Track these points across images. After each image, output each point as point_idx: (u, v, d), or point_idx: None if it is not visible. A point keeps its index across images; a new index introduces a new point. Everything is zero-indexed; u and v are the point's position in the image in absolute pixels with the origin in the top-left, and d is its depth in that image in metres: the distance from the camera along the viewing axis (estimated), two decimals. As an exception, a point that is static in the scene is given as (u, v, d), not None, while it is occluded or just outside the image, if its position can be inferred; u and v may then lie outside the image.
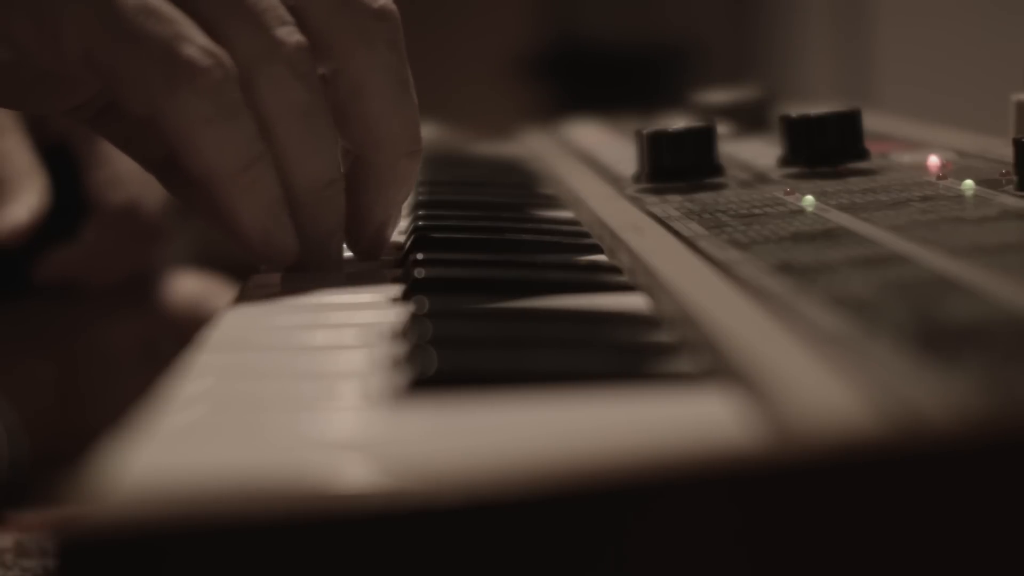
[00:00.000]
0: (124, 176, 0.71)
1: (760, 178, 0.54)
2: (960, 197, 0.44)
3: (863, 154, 0.54)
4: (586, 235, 0.50)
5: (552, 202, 0.60)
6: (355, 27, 0.44)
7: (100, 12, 0.40)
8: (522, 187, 0.66)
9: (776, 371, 0.28)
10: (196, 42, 0.40)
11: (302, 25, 0.43)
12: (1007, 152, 0.48)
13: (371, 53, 0.44)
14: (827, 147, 0.54)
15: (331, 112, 0.43)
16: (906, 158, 0.55)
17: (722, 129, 0.62)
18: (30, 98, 0.46)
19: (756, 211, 0.46)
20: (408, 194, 0.47)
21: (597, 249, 0.47)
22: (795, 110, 0.56)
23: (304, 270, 0.44)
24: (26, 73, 0.43)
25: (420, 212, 0.53)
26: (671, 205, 0.49)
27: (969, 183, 0.46)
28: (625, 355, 0.34)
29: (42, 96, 0.45)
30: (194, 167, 0.41)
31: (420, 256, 0.44)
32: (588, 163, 0.65)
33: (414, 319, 0.36)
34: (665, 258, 0.40)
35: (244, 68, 0.41)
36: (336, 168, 0.44)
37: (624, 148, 0.65)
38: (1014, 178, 0.46)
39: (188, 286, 0.77)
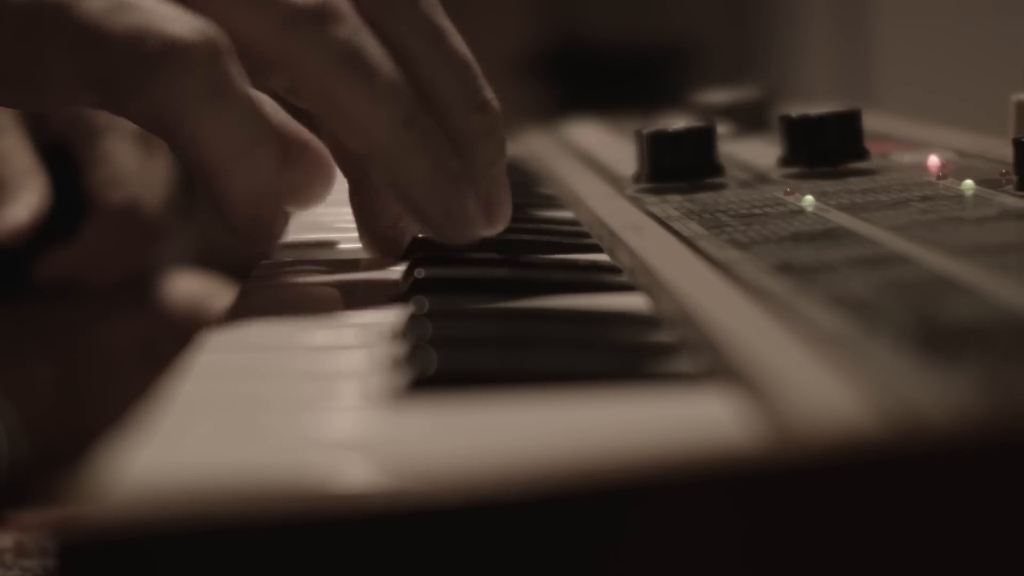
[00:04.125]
0: (124, 176, 0.71)
1: (760, 178, 0.54)
2: (960, 197, 0.44)
3: (863, 154, 0.54)
4: (586, 235, 0.50)
5: (552, 202, 0.60)
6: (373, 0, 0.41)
7: (78, 30, 0.38)
8: (522, 187, 0.66)
9: (776, 371, 0.28)
10: (177, 20, 0.38)
11: None
12: (1007, 152, 0.48)
13: (399, 20, 0.41)
14: (827, 147, 0.54)
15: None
16: (906, 158, 0.55)
17: (722, 129, 0.62)
18: (56, 110, 0.46)
19: (756, 211, 0.46)
20: (501, 152, 0.43)
21: (597, 249, 0.47)
22: (795, 110, 0.56)
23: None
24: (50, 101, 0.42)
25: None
26: (671, 205, 0.49)
27: (969, 183, 0.46)
28: (625, 355, 0.34)
29: (69, 109, 0.44)
30: (189, 154, 0.39)
31: (420, 256, 0.44)
32: (588, 163, 0.65)
33: (414, 319, 0.36)
34: (665, 258, 0.40)
35: (272, 43, 0.39)
36: (413, 105, 0.41)
37: (624, 148, 0.65)
38: (1014, 178, 0.46)
39: (188, 286, 0.77)
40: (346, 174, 0.46)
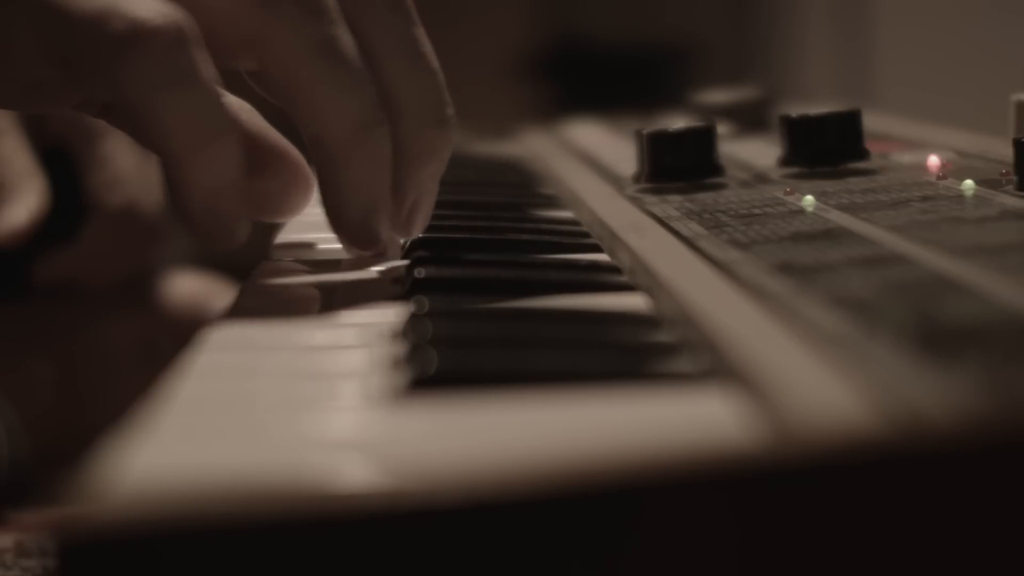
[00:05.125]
0: (123, 177, 0.71)
1: (760, 178, 0.54)
2: (960, 197, 0.44)
3: (863, 154, 0.54)
4: (586, 235, 0.50)
5: (552, 202, 0.60)
6: None
7: (41, 7, 0.38)
8: (522, 187, 0.66)
9: (776, 371, 0.28)
10: (144, 3, 0.37)
11: None
12: (1007, 152, 0.48)
13: (372, 20, 0.41)
14: (827, 147, 0.54)
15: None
16: (906, 158, 0.55)
17: (722, 129, 0.62)
18: (29, 102, 0.46)
19: (756, 211, 0.46)
20: (442, 168, 0.44)
21: (597, 249, 0.47)
22: (795, 110, 0.56)
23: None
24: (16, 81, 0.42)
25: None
26: (671, 205, 0.49)
27: (969, 183, 0.46)
28: (625, 355, 0.34)
29: (41, 99, 0.44)
30: (151, 140, 0.39)
31: (420, 256, 0.44)
32: (588, 163, 0.65)
33: (414, 319, 0.36)
34: (665, 258, 0.40)
35: (246, 20, 0.39)
36: (374, 110, 0.41)
37: (624, 148, 0.65)
38: (1014, 178, 0.46)
39: (187, 286, 0.77)
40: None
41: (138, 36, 0.37)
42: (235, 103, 0.45)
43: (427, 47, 0.42)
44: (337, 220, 0.43)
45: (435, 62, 0.43)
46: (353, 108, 0.40)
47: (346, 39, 0.40)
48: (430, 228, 0.49)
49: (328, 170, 0.42)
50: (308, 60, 0.40)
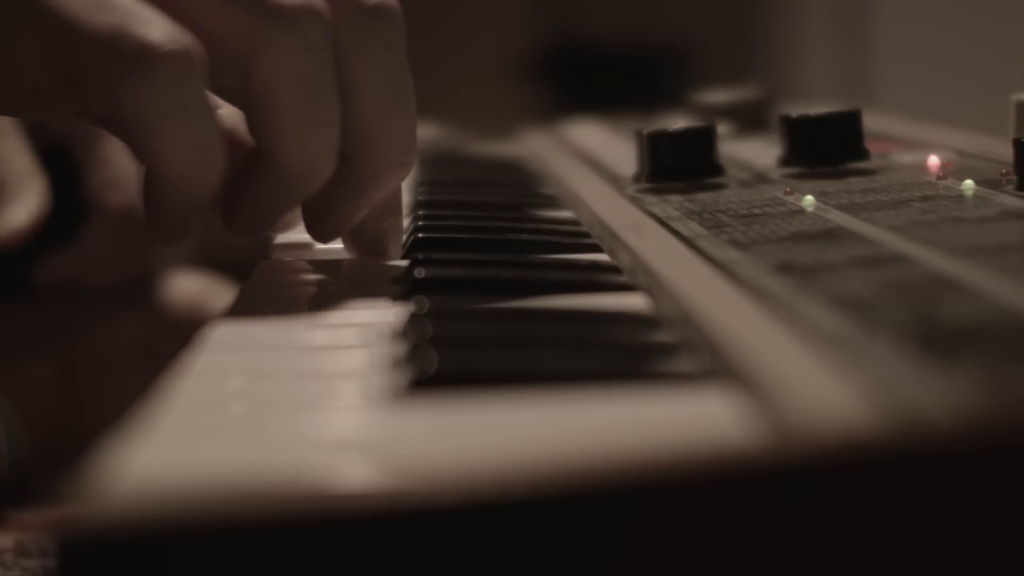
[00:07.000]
0: (124, 178, 0.71)
1: (760, 178, 0.54)
2: (960, 197, 0.44)
3: (863, 154, 0.54)
4: (586, 235, 0.50)
5: (552, 202, 0.60)
6: (347, 25, 0.41)
7: (49, 19, 0.38)
8: (522, 187, 0.66)
9: (776, 371, 0.28)
10: (155, 25, 0.37)
11: None
12: (1007, 152, 0.48)
13: (364, 55, 0.41)
14: (827, 147, 0.54)
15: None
16: (906, 158, 0.55)
17: (722, 129, 0.62)
18: (28, 109, 0.46)
19: (756, 211, 0.46)
20: (396, 209, 0.46)
21: (597, 249, 0.47)
22: (795, 110, 0.56)
23: (238, 233, 0.43)
24: (15, 87, 0.42)
25: (420, 212, 0.53)
26: (671, 205, 0.49)
27: (969, 183, 0.46)
28: (625, 355, 0.34)
29: (40, 106, 0.44)
30: (143, 157, 0.39)
31: (420, 256, 0.44)
32: (588, 163, 0.66)
33: (414, 319, 0.36)
34: (665, 258, 0.40)
35: (248, 37, 0.39)
36: (330, 156, 0.41)
37: (624, 148, 0.65)
38: (1014, 178, 0.46)
39: (188, 286, 0.77)
40: None
41: (146, 61, 0.37)
42: (233, 115, 0.45)
43: (409, 90, 0.43)
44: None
45: (413, 105, 0.43)
46: (312, 149, 0.41)
47: (332, 79, 0.40)
48: (430, 228, 0.49)
49: (263, 183, 0.42)
50: (289, 92, 0.40)
